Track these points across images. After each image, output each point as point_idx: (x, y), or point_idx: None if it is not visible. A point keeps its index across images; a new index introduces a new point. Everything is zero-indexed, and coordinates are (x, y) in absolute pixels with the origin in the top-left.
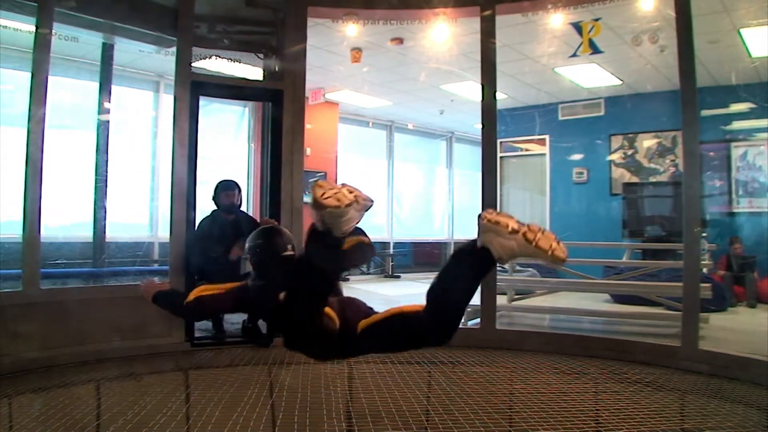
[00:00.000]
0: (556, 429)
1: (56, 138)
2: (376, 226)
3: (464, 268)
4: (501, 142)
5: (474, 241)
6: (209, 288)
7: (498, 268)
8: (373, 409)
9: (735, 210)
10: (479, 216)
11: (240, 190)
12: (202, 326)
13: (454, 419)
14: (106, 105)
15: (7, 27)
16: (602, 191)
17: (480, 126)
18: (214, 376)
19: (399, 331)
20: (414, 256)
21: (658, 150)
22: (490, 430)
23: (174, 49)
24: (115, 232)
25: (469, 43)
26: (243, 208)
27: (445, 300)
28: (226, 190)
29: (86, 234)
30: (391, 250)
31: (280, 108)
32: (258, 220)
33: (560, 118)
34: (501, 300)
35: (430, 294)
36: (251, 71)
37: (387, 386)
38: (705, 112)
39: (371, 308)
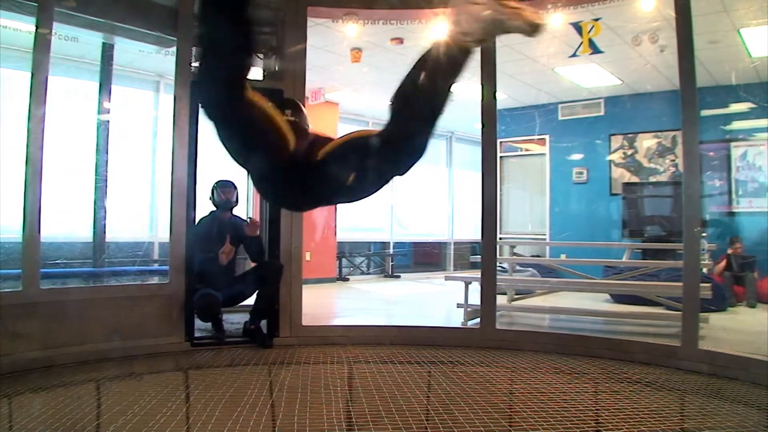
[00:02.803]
0: (556, 429)
1: (56, 138)
2: (376, 227)
3: (435, 67)
4: (501, 142)
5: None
6: None
7: (498, 268)
8: (373, 409)
9: (735, 210)
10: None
11: (236, 189)
12: (202, 326)
13: (454, 419)
14: (106, 105)
15: (7, 27)
16: (602, 191)
17: (480, 126)
18: (214, 376)
19: (360, 151)
20: (414, 256)
21: (658, 150)
22: (490, 430)
23: (174, 49)
24: (115, 232)
25: None
26: (242, 207)
27: (410, 111)
28: (222, 187)
29: (86, 234)
30: (391, 250)
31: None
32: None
33: (560, 118)
34: (501, 300)
35: (393, 108)
36: (251, 71)
37: (387, 386)
38: (705, 112)
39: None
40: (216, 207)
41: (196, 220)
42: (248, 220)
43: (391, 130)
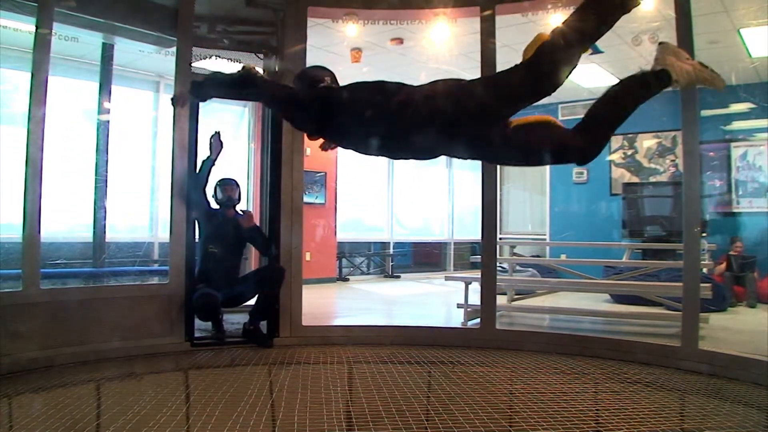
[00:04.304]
0: (556, 429)
1: (56, 138)
2: (375, 227)
3: (635, 91)
4: None
5: (647, 71)
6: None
7: (498, 268)
8: (373, 409)
9: (735, 210)
10: (660, 43)
11: (239, 187)
12: (202, 326)
13: (454, 419)
14: (106, 105)
15: (7, 27)
16: (602, 191)
17: None
18: (214, 376)
19: (546, 136)
20: (414, 256)
21: (658, 150)
22: (490, 430)
23: (174, 49)
24: (115, 233)
25: (469, 43)
26: (243, 205)
27: (603, 122)
28: (224, 185)
29: (86, 234)
30: (391, 250)
31: None
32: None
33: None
34: (501, 300)
35: (591, 115)
36: None
37: (387, 386)
38: (705, 112)
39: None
40: (219, 205)
41: (196, 220)
42: (241, 212)
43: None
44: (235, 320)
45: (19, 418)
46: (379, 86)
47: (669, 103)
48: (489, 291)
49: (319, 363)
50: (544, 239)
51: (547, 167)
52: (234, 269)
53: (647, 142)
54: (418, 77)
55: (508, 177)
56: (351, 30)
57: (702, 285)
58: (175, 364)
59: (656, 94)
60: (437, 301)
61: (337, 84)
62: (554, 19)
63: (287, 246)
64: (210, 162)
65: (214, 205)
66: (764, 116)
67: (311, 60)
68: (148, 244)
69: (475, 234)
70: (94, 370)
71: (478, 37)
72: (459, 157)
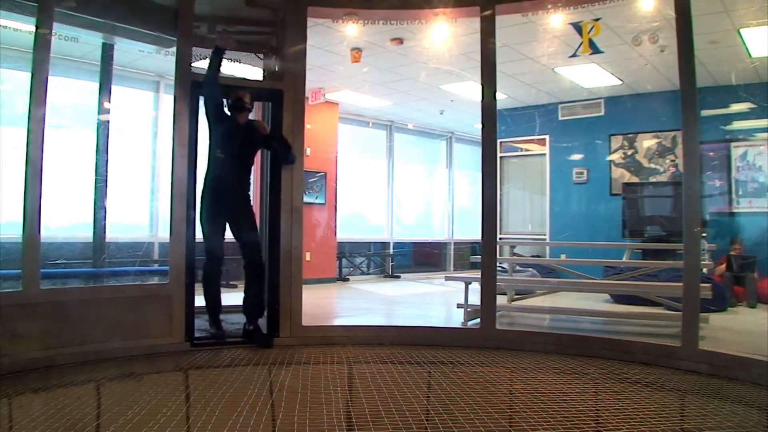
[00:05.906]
0: (556, 429)
1: (56, 138)
2: (376, 226)
3: None
4: (501, 142)
5: None
6: None
7: (498, 268)
8: (373, 409)
9: (735, 210)
10: None
11: (251, 93)
12: (203, 326)
13: (454, 419)
14: (106, 105)
15: (7, 27)
16: (602, 191)
17: (480, 126)
18: (214, 376)
19: None
20: (414, 256)
21: (658, 150)
22: (490, 430)
23: (174, 49)
24: (115, 233)
25: (469, 43)
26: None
27: None
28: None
29: (86, 234)
30: (391, 250)
31: (280, 108)
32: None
33: (560, 118)
34: (501, 300)
35: None
36: (251, 71)
37: (387, 386)
38: (705, 112)
39: None
40: (230, 110)
41: (197, 221)
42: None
43: None
44: (235, 320)
45: (19, 418)
46: None
47: (669, 103)
48: (489, 291)
49: (319, 363)
50: (544, 239)
51: (547, 167)
52: (242, 185)
53: (647, 142)
54: (418, 77)
55: (508, 177)
56: (351, 30)
57: (702, 285)
58: (175, 364)
59: None
60: (437, 301)
61: None
62: (554, 19)
63: (287, 246)
64: (219, 52)
65: (227, 112)
66: (764, 116)
67: (311, 60)
68: (148, 244)
69: (475, 234)
70: (94, 370)
71: (478, 37)
72: None
